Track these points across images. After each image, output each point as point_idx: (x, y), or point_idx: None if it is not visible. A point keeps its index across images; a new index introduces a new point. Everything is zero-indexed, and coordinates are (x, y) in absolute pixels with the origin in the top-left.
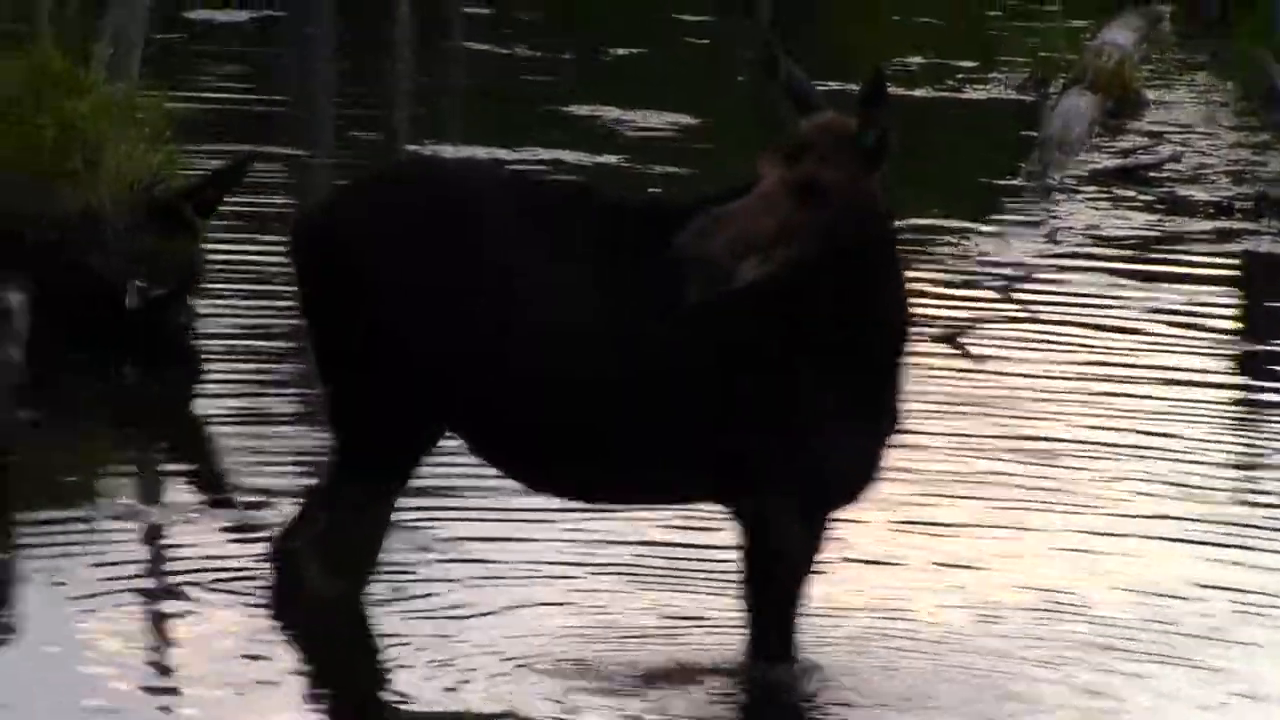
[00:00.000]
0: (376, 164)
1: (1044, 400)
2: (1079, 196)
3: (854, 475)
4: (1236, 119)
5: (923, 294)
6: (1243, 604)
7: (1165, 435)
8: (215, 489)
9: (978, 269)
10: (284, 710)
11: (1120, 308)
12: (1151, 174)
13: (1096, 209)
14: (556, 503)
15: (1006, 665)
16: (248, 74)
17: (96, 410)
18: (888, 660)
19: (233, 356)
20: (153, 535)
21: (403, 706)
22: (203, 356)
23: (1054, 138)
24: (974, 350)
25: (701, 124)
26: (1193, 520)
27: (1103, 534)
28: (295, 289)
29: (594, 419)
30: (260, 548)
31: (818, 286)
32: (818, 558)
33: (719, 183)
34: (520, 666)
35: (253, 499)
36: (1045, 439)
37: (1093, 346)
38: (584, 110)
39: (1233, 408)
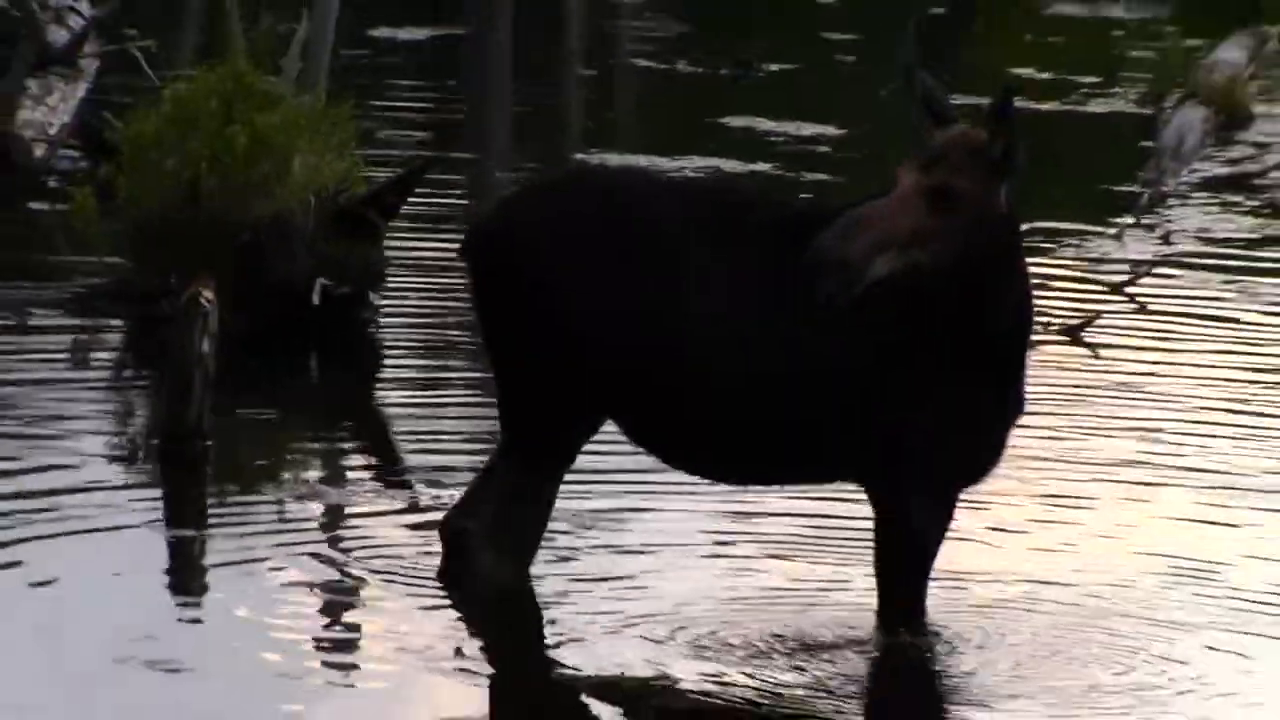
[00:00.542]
0: (545, 172)
1: (1160, 387)
2: (1191, 202)
3: (982, 457)
4: None
5: (1047, 291)
6: None
7: (1266, 416)
8: (392, 472)
9: (1097, 268)
10: (456, 682)
11: (1228, 302)
12: (1257, 181)
13: (1207, 214)
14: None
15: (1141, 628)
16: (428, 87)
17: (284, 400)
18: (1024, 627)
19: (411, 349)
20: (334, 514)
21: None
22: (383, 349)
23: (1169, 148)
24: (1093, 342)
25: (848, 134)
26: None
27: (1227, 506)
28: (469, 288)
29: (754, 413)
30: (432, 529)
31: (951, 288)
32: (946, 532)
33: (863, 190)
34: (673, 632)
35: (427, 480)
36: (1163, 421)
37: (1203, 338)
38: (739, 122)
39: None
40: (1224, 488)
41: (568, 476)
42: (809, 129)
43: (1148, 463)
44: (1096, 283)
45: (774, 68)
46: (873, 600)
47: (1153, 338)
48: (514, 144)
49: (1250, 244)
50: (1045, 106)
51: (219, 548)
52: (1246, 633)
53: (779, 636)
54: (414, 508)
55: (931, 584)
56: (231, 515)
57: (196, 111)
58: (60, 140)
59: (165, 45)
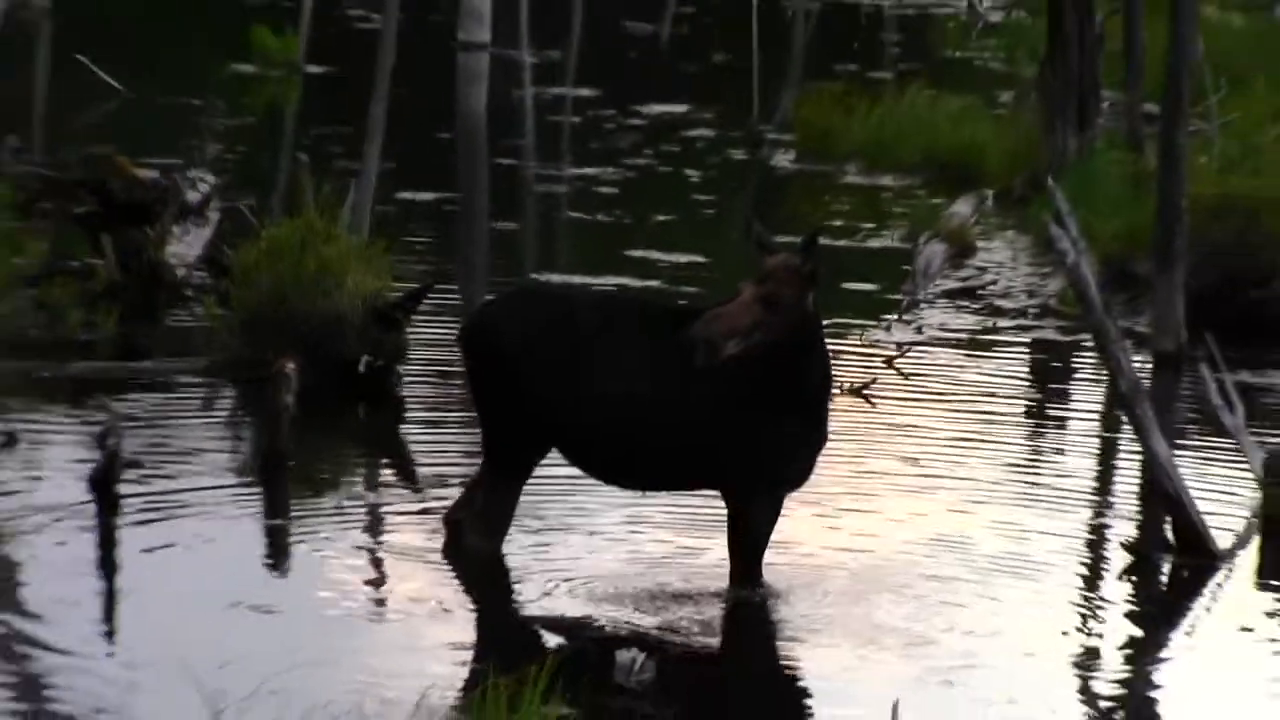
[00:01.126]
0: (511, 286)
1: (919, 424)
2: (935, 306)
3: (800, 472)
4: (1031, 258)
5: (840, 361)
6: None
7: (993, 443)
8: (411, 482)
9: (874, 347)
10: (451, 622)
11: (962, 370)
12: (979, 292)
13: (945, 313)
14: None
15: (916, 582)
16: (436, 240)
17: (340, 435)
18: (831, 584)
19: (424, 402)
20: (373, 510)
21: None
22: (407, 404)
23: (920, 270)
24: (871, 396)
25: (710, 261)
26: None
27: (973, 501)
28: (463, 364)
29: (649, 444)
30: (437, 520)
31: (777, 359)
32: (776, 521)
33: (720, 296)
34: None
35: (434, 487)
36: (921, 450)
37: (948, 395)
38: (638, 253)
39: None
40: (970, 489)
41: (528, 484)
42: (684, 258)
43: (913, 475)
44: (874, 357)
45: (660, 218)
46: (725, 566)
47: (913, 394)
48: (488, 267)
49: (975, 333)
50: (840, 242)
51: (297, 531)
52: (992, 585)
53: (658, 589)
54: (427, 508)
55: (768, 554)
56: (306, 510)
57: (283, 247)
58: (194, 266)
59: (262, 204)
